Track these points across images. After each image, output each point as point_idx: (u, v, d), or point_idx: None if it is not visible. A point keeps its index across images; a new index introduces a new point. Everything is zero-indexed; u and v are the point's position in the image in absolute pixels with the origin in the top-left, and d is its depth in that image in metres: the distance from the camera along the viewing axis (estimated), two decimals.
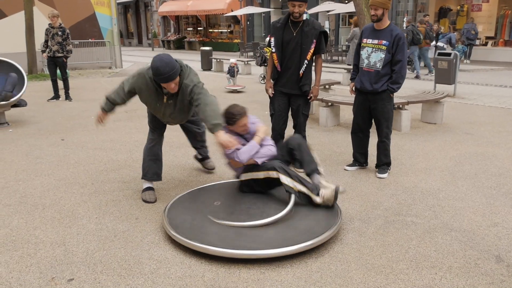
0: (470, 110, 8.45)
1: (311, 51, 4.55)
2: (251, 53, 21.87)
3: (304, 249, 3.07)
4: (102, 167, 5.11)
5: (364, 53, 4.58)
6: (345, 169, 4.94)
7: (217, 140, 3.47)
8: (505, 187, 4.41)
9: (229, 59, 12.72)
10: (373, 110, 4.65)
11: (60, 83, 9.84)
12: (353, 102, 7.02)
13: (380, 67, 4.46)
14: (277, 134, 4.86)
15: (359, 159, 4.96)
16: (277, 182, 3.68)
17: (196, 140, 4.70)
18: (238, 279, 2.84)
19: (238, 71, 12.05)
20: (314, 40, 4.54)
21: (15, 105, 7.31)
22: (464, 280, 2.82)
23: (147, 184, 4.22)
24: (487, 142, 6.10)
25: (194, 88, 3.59)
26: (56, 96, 9.78)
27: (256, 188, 3.88)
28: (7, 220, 3.72)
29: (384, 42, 4.42)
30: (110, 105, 3.94)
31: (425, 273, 2.90)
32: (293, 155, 3.91)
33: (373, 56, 4.50)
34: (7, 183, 4.60)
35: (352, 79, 4.83)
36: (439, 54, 10.25)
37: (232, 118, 3.72)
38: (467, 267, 2.98)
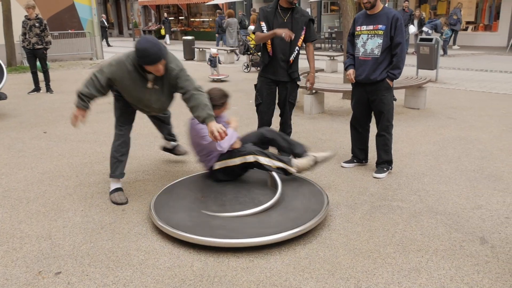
0: (452, 95, 8.54)
1: (301, 38, 4.59)
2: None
3: (292, 236, 3.08)
4: (86, 160, 5.05)
5: (359, 41, 4.31)
6: (342, 166, 4.65)
7: (211, 130, 3.34)
8: (488, 170, 4.49)
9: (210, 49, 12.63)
10: (372, 103, 4.35)
11: (41, 75, 9.67)
12: (337, 89, 7.07)
13: (379, 54, 4.19)
14: (265, 123, 4.83)
15: (358, 155, 4.67)
16: (251, 164, 3.84)
17: (165, 124, 4.58)
18: (227, 268, 2.85)
19: (219, 61, 12.02)
20: (304, 27, 4.58)
21: None
22: (450, 262, 2.87)
23: (115, 185, 3.96)
24: (470, 126, 6.19)
25: (180, 73, 3.50)
26: (37, 89, 9.61)
27: (231, 173, 3.96)
28: None
29: (380, 26, 4.18)
30: (88, 100, 3.58)
31: (412, 257, 2.94)
32: (273, 143, 4.16)
33: (369, 43, 4.24)
34: None
35: (347, 66, 4.43)
36: (421, 39, 10.32)
37: (222, 99, 3.92)
38: (452, 249, 3.02)
